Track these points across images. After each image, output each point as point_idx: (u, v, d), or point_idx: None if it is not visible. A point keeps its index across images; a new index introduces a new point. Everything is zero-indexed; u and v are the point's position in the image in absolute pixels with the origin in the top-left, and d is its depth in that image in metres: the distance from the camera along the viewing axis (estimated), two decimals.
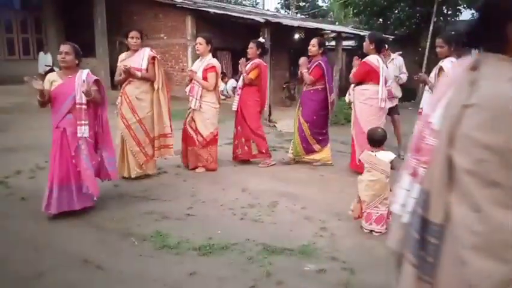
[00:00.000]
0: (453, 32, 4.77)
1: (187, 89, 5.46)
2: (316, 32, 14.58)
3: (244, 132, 5.76)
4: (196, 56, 12.47)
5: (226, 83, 12.58)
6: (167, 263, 3.07)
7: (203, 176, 5.30)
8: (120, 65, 4.93)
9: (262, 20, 11.20)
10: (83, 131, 3.76)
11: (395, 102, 6.48)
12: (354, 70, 5.48)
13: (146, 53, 4.89)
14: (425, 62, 14.49)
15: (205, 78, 5.28)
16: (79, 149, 3.77)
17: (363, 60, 5.31)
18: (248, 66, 5.70)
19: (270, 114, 10.86)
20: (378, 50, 5.32)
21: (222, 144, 7.19)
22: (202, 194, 4.56)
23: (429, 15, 15.42)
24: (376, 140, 3.80)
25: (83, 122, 3.76)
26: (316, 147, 5.82)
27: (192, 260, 3.13)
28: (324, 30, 15.04)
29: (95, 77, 3.99)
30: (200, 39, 5.35)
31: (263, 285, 2.82)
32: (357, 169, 5.02)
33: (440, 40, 4.87)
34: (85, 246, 3.30)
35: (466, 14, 19.50)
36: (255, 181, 5.08)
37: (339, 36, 15.17)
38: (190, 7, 12.59)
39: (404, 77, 6.32)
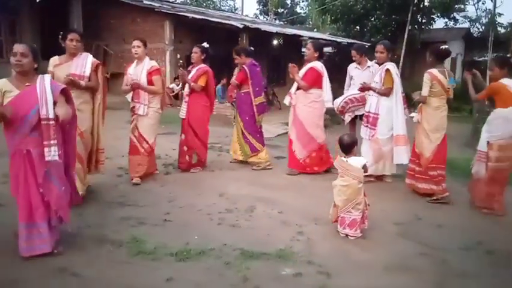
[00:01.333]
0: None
1: (129, 96, 5.15)
2: (295, 39, 14.75)
3: (188, 140, 5.58)
4: (174, 60, 12.52)
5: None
6: (143, 269, 3.04)
7: (180, 181, 5.27)
8: (54, 71, 4.24)
9: (240, 26, 11.28)
10: (53, 152, 3.05)
11: None
12: (298, 77, 5.63)
13: (89, 59, 4.32)
14: (400, 68, 14.79)
15: (149, 82, 4.99)
16: (48, 175, 3.10)
17: (311, 66, 5.59)
18: (193, 72, 5.54)
19: None
20: (321, 57, 5.74)
21: None
22: (179, 199, 4.54)
23: (405, 24, 15.80)
24: (346, 146, 3.85)
25: (51, 141, 3.04)
26: (258, 146, 5.94)
27: (168, 265, 3.11)
28: (302, 36, 15.23)
29: (61, 85, 3.31)
30: (137, 42, 4.98)
31: None
32: (297, 168, 5.72)
33: (381, 46, 5.24)
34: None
35: (440, 23, 20.07)
36: (232, 186, 5.09)
37: None
38: (169, 11, 12.55)
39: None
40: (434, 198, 4.73)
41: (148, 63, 5.05)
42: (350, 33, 18.95)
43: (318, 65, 5.62)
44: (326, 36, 17.63)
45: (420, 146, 4.83)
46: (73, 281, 2.88)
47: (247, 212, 4.28)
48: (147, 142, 5.08)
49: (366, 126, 5.34)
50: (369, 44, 16.28)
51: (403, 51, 15.61)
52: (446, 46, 5.03)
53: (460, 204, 4.76)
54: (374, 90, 5.26)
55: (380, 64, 5.28)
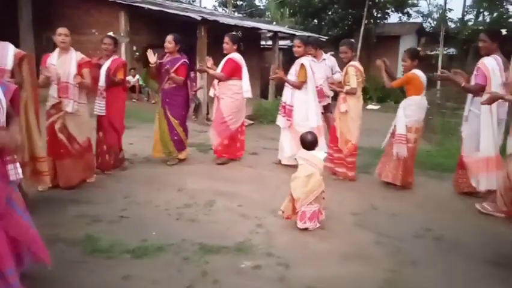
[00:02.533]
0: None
1: (54, 91, 4.46)
2: (254, 31, 14.73)
3: (109, 139, 5.17)
4: (130, 52, 12.18)
5: None
6: (98, 268, 2.96)
7: (138, 177, 5.15)
8: None
9: (198, 18, 11.12)
10: (18, 169, 2.43)
11: (328, 101, 6.75)
12: (211, 71, 5.78)
13: (10, 49, 3.73)
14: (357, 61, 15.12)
15: (79, 75, 4.50)
16: (11, 202, 2.40)
17: (230, 57, 5.71)
18: (108, 64, 5.07)
19: (207, 113, 10.80)
20: (239, 49, 5.84)
21: None
22: (136, 195, 4.44)
23: (361, 18, 16.14)
24: (309, 144, 3.89)
25: (14, 156, 2.44)
26: (187, 143, 5.87)
27: (125, 263, 3.04)
28: (261, 29, 15.24)
29: (12, 84, 2.60)
30: (64, 30, 4.52)
31: (199, 285, 2.81)
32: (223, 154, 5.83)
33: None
34: None
35: (394, 18, 20.66)
36: (191, 181, 5.03)
37: (275, 36, 15.41)
38: (124, 2, 12.17)
39: (338, 76, 6.54)
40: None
41: (77, 54, 4.58)
42: (308, 27, 19.15)
43: (237, 56, 5.74)
44: (284, 29, 17.71)
45: (348, 133, 5.21)
46: (25, 283, 2.75)
47: (206, 206, 4.25)
48: (78, 143, 4.58)
49: (284, 116, 5.66)
50: (326, 38, 16.56)
51: (359, 44, 15.96)
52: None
53: (412, 193, 4.95)
54: (288, 82, 5.57)
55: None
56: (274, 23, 23.62)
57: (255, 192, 4.76)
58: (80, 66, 4.55)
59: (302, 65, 5.48)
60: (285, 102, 5.70)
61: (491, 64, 4.29)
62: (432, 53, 19.65)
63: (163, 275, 2.90)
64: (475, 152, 4.46)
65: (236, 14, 28.10)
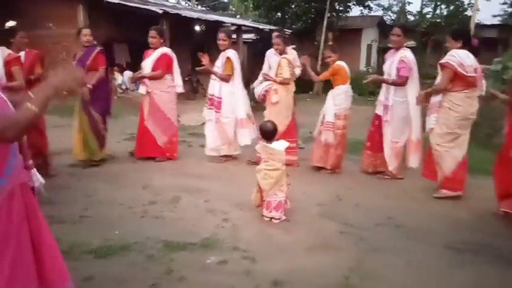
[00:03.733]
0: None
1: None
2: (217, 25, 14.61)
3: (37, 141, 4.59)
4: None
5: (122, 75, 12.14)
6: None
7: (100, 175, 5.03)
8: None
9: (160, 11, 10.92)
10: (38, 175, 2.27)
11: None
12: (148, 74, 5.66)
13: None
14: (320, 55, 15.29)
15: (8, 74, 4.06)
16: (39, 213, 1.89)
17: (164, 52, 5.66)
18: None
19: None
20: (164, 43, 5.92)
21: (120, 140, 6.93)
22: (99, 194, 4.33)
23: (323, 11, 16.29)
24: (268, 134, 3.92)
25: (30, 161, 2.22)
26: (106, 139, 5.57)
27: (87, 264, 2.95)
28: (225, 22, 15.14)
29: None
30: None
31: (164, 282, 2.76)
32: (159, 154, 5.69)
33: (222, 34, 5.61)
34: None
35: (356, 11, 20.99)
36: (156, 177, 4.96)
37: (239, 29, 15.35)
38: None
39: (297, 71, 6.58)
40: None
41: (2, 50, 4.09)
42: (272, 20, 19.16)
43: (169, 51, 5.76)
44: (248, 22, 17.67)
45: (278, 123, 5.37)
46: None
47: (171, 203, 4.19)
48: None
49: (211, 109, 5.71)
50: (291, 31, 16.62)
51: (322, 37, 16.12)
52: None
53: (375, 183, 5.07)
54: (216, 75, 5.64)
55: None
56: (238, 16, 23.53)
57: (221, 186, 4.74)
58: (8, 63, 4.05)
59: (228, 58, 5.55)
60: (212, 95, 5.72)
61: (413, 57, 4.92)
62: None
63: (127, 275, 2.84)
64: (403, 136, 5.02)
65: (199, 7, 27.79)
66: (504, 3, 21.73)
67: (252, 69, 12.67)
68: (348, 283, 2.82)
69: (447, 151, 4.42)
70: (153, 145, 5.69)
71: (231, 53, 5.61)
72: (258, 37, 18.94)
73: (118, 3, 11.53)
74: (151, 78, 5.61)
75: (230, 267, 3.00)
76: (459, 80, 4.27)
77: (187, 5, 28.86)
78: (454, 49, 4.35)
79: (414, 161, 5.04)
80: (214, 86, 5.70)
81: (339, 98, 5.21)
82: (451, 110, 4.36)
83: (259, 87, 6.19)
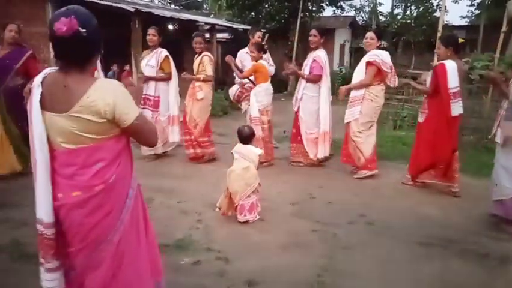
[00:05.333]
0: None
1: None
2: (191, 24, 14.50)
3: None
4: None
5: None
6: (25, 275, 2.78)
7: None
8: None
9: (132, 9, 10.75)
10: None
11: None
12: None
13: None
14: (294, 54, 15.39)
15: None
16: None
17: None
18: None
19: None
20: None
21: None
22: None
23: (297, 11, 16.37)
24: (245, 137, 3.95)
25: None
26: None
27: None
28: (198, 22, 15.03)
29: None
30: None
31: None
32: None
33: (152, 30, 5.71)
34: None
35: (328, 11, 21.23)
36: None
37: (213, 29, 15.28)
38: None
39: (272, 70, 6.62)
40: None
41: None
42: (246, 20, 19.15)
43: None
44: (222, 22, 17.60)
45: (198, 117, 5.66)
46: None
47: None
48: None
49: (145, 108, 5.72)
50: (264, 31, 16.66)
51: (296, 37, 16.21)
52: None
53: (347, 181, 5.16)
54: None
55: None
56: (212, 15, 23.42)
57: (195, 187, 4.72)
58: None
59: (167, 57, 5.67)
60: (147, 94, 5.71)
61: (324, 57, 5.46)
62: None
63: None
64: (315, 128, 5.50)
65: (172, 6, 27.50)
66: (471, 5, 22.39)
67: (225, 69, 12.64)
68: (320, 280, 2.86)
69: (367, 136, 5.15)
70: None
71: (166, 52, 5.72)
72: (232, 36, 18.90)
73: (88, 1, 11.28)
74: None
75: (204, 267, 3.00)
76: (379, 75, 5.09)
77: (160, 3, 28.52)
78: (375, 49, 5.09)
79: (321, 152, 5.52)
80: (150, 86, 5.70)
81: (261, 95, 5.45)
82: (372, 101, 5.13)
83: (234, 86, 6.23)
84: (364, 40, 5.27)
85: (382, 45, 5.40)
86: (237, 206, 3.75)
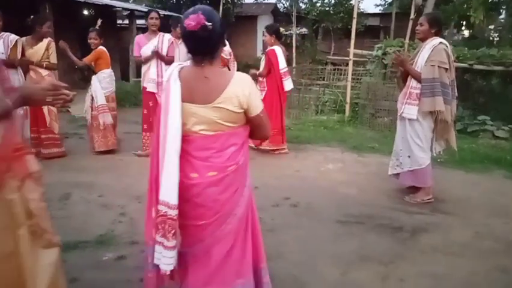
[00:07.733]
0: None
1: None
2: (108, 9, 13.81)
3: None
4: None
5: None
6: None
7: None
8: None
9: None
10: None
11: None
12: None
13: None
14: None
15: None
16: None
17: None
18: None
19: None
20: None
21: None
22: None
23: None
24: None
25: None
26: None
27: None
28: (116, 7, 14.37)
29: None
30: None
31: None
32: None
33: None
34: None
35: None
36: (43, 174, 4.57)
37: (132, 15, 14.69)
38: None
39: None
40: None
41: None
42: (167, 6, 18.63)
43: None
44: (141, 7, 16.95)
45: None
46: None
47: (61, 200, 3.94)
48: None
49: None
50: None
51: None
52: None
53: (273, 166, 5.27)
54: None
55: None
56: (131, 0, 22.47)
57: (116, 180, 4.56)
58: None
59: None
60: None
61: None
62: (287, 32, 20.84)
63: None
64: None
65: None
66: None
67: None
68: None
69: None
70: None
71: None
72: None
73: None
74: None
75: (128, 262, 2.92)
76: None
77: None
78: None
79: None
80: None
81: (106, 81, 5.55)
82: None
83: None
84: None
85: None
86: None
